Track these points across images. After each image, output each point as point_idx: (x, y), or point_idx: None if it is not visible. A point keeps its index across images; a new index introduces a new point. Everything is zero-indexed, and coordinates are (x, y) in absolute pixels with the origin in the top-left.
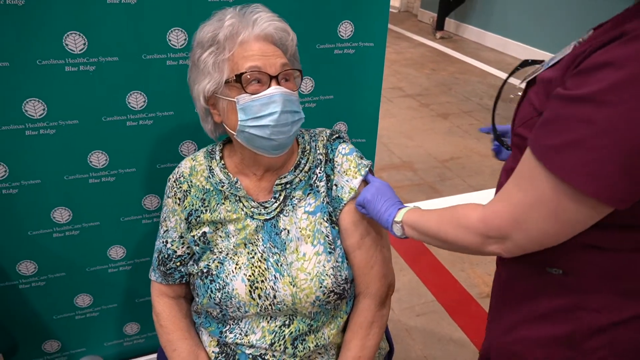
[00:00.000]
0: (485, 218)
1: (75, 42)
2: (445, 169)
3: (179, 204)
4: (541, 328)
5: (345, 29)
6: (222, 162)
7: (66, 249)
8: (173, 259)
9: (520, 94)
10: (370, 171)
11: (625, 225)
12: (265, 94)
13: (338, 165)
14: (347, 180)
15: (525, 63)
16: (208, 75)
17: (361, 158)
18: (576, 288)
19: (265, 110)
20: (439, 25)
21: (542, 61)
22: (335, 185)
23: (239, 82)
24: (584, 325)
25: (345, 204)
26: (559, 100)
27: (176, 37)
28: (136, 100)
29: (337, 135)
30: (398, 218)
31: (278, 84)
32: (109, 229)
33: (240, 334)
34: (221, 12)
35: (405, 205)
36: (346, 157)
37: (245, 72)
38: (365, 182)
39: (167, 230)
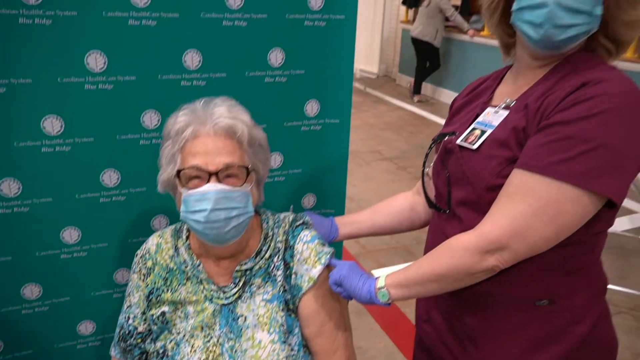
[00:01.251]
0: (483, 234)
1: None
2: (421, 232)
3: (143, 280)
4: (542, 354)
5: (312, 107)
6: (188, 242)
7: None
8: (134, 336)
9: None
10: (332, 255)
11: (597, 233)
12: (198, 191)
13: (298, 253)
14: (306, 269)
15: (442, 136)
16: (164, 167)
17: (323, 245)
18: (562, 311)
19: (197, 206)
20: (416, 89)
21: (454, 133)
22: (295, 273)
23: (178, 177)
24: (574, 339)
25: (304, 292)
26: (553, 127)
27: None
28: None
29: (301, 221)
30: (380, 284)
31: (218, 180)
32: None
33: None
34: (188, 105)
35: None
36: (307, 245)
37: (185, 169)
38: (328, 268)
39: (130, 305)
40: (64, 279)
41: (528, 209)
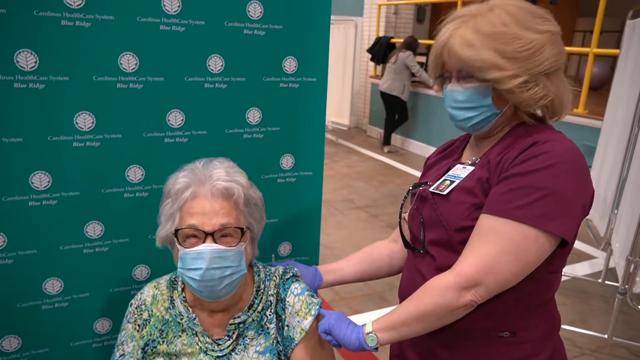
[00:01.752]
0: (460, 272)
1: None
2: (394, 279)
3: (138, 331)
4: None
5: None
6: (183, 294)
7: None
8: None
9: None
10: (321, 304)
11: (552, 273)
12: (194, 250)
13: (290, 306)
14: (298, 321)
15: (416, 186)
16: (163, 224)
17: (312, 297)
18: (523, 342)
19: (193, 264)
20: (386, 140)
21: (427, 183)
22: (287, 325)
23: (176, 236)
24: None
25: (296, 343)
26: (512, 178)
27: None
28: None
29: (291, 274)
30: (368, 329)
31: (214, 240)
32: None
33: None
34: (189, 165)
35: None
36: (298, 297)
37: (182, 229)
38: (318, 318)
39: (123, 354)
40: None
41: (496, 248)
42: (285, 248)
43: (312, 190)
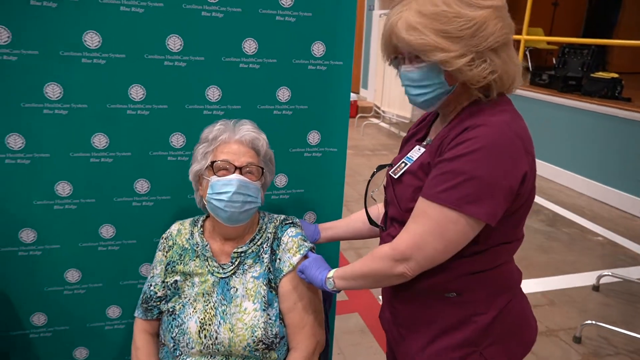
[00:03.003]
0: (393, 246)
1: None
2: None
3: (164, 255)
4: (449, 339)
5: (313, 137)
6: (202, 229)
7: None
8: (154, 299)
9: (376, 190)
10: (313, 249)
11: (496, 246)
12: (226, 178)
13: (283, 243)
14: (288, 257)
15: (380, 167)
16: (197, 161)
17: (304, 241)
18: (467, 302)
19: (223, 188)
20: None
21: (391, 165)
22: (279, 259)
23: (212, 167)
24: (477, 327)
25: (284, 274)
26: (441, 163)
27: (212, 94)
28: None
29: (290, 221)
30: (330, 275)
31: (241, 174)
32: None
33: None
34: (222, 120)
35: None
36: (291, 238)
37: (217, 161)
38: (305, 257)
39: (153, 276)
40: (99, 268)
41: (424, 228)
42: (310, 217)
43: (336, 165)
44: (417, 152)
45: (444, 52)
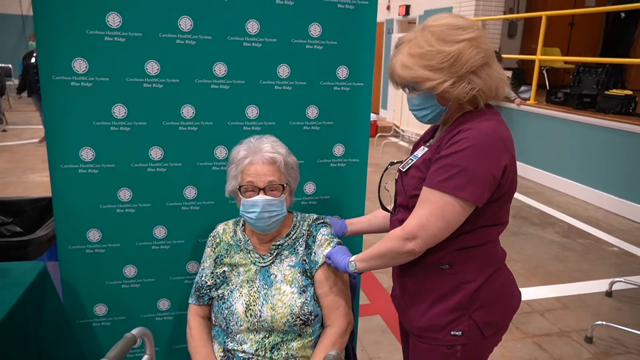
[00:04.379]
0: (403, 228)
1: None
2: None
3: (213, 251)
4: (443, 304)
5: (338, 150)
6: (243, 227)
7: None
8: (205, 287)
9: (390, 182)
10: (340, 244)
11: (482, 227)
12: (251, 200)
13: (318, 240)
14: (322, 251)
15: (392, 163)
16: (230, 181)
17: (334, 237)
18: (458, 273)
19: (251, 209)
20: None
21: (401, 161)
22: (315, 252)
23: (239, 190)
24: (466, 293)
25: (319, 266)
26: (440, 159)
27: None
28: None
29: (322, 221)
30: (351, 259)
31: (265, 193)
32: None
33: (237, 344)
34: (246, 140)
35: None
36: (324, 236)
37: (243, 185)
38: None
39: (203, 268)
40: (152, 264)
41: (428, 211)
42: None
43: (358, 174)
44: (421, 150)
45: (430, 81)
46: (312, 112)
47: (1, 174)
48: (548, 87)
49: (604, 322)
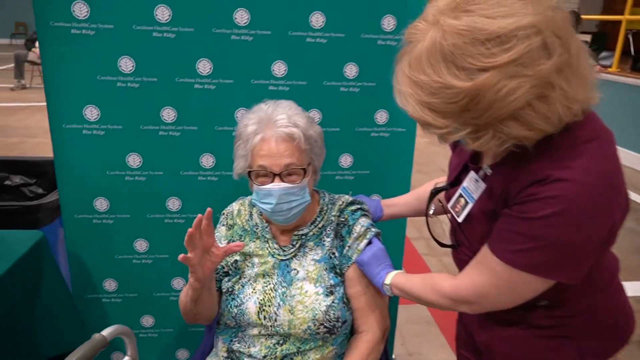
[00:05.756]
0: (455, 289)
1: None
2: None
3: (228, 231)
4: (542, 331)
5: (381, 116)
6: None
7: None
8: (218, 272)
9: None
10: (378, 235)
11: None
12: (265, 188)
13: (355, 232)
14: (357, 245)
15: (437, 191)
16: (238, 160)
17: (373, 227)
18: (561, 307)
19: (266, 199)
20: None
21: (446, 187)
22: (349, 246)
23: (249, 176)
24: (572, 324)
25: (353, 262)
26: (511, 218)
27: (279, 68)
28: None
29: (359, 206)
30: (387, 281)
31: (281, 179)
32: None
33: (245, 345)
34: (257, 107)
35: (393, 269)
36: (363, 228)
37: (254, 170)
38: (369, 243)
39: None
40: (165, 239)
41: (489, 282)
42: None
43: (404, 147)
44: (474, 185)
45: (433, 127)
46: (350, 70)
47: (29, 132)
48: (634, 53)
49: None
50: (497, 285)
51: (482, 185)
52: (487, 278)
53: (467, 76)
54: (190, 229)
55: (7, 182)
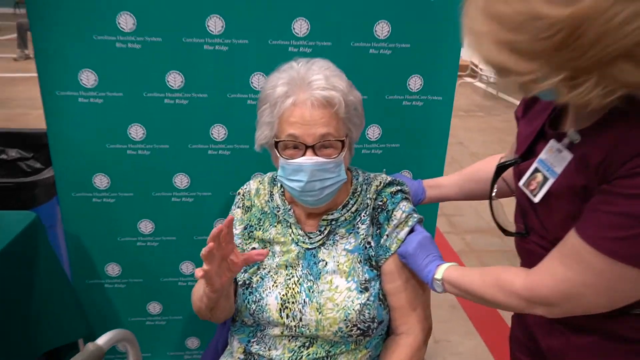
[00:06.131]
0: (531, 287)
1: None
2: None
3: (244, 214)
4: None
5: (415, 82)
6: (282, 189)
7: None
8: None
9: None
10: (421, 221)
11: None
12: (295, 162)
13: (395, 219)
14: (396, 233)
15: (503, 167)
16: (262, 129)
17: (415, 212)
18: None
19: (295, 175)
20: None
21: (516, 161)
22: (387, 235)
23: (276, 147)
24: None
25: (392, 253)
26: (612, 195)
27: (300, 27)
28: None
29: (400, 188)
30: (438, 275)
31: (314, 152)
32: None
33: (264, 347)
34: (287, 65)
35: (444, 262)
36: (404, 214)
37: (282, 140)
38: (411, 230)
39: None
40: (172, 220)
41: (579, 278)
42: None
43: (440, 117)
44: (555, 156)
45: (514, 74)
46: (381, 29)
47: (32, 104)
48: None
49: None
50: (590, 284)
51: (568, 156)
52: (576, 274)
53: (566, 1)
54: (210, 244)
55: (3, 156)
